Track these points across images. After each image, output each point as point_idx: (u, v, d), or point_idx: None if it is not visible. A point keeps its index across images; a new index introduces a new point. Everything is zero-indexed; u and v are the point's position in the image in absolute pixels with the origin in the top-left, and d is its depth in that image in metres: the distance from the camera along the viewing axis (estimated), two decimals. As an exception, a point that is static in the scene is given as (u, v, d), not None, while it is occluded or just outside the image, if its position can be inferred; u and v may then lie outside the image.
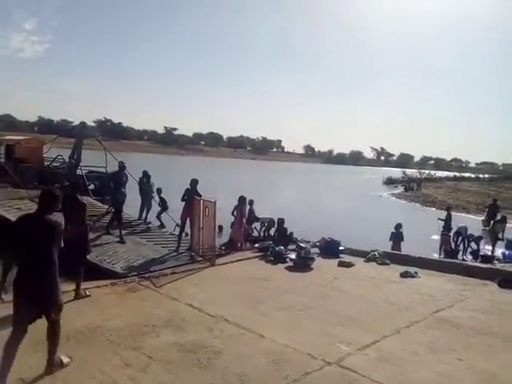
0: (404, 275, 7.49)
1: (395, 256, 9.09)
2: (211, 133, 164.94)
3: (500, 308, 5.83)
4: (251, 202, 10.49)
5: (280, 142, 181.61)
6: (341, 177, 63.01)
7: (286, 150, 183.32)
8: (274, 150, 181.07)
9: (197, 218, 8.45)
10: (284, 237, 9.86)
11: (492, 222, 14.28)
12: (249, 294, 6.13)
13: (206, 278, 6.96)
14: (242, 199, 9.76)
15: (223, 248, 9.20)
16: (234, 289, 6.38)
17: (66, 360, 3.60)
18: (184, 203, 8.88)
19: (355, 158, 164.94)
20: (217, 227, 8.96)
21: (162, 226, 11.23)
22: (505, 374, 3.86)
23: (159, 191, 11.65)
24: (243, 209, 9.75)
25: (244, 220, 9.82)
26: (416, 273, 7.59)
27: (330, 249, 9.13)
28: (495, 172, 65.73)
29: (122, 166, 9.62)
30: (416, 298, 6.29)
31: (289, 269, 7.85)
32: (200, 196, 8.69)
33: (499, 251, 11.66)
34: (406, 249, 10.30)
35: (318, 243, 9.56)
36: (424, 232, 14.66)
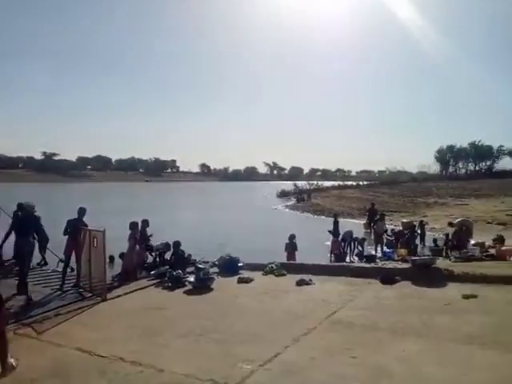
0: (300, 283, 7.80)
1: (291, 266, 9.46)
2: (99, 156, 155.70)
3: (383, 303, 6.38)
4: (145, 224, 10.00)
5: (174, 161, 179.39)
6: (236, 193, 64.38)
7: (181, 169, 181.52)
8: (169, 170, 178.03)
9: (84, 250, 7.77)
10: (181, 260, 9.59)
11: (372, 224, 15.81)
12: (146, 325, 5.77)
13: (98, 315, 6.39)
14: (133, 225, 9.30)
15: (116, 279, 8.59)
16: (130, 322, 5.95)
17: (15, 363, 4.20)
18: (67, 236, 8.09)
19: (250, 174, 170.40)
20: (107, 258, 8.36)
21: (43, 263, 10.09)
22: (392, 365, 4.18)
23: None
24: (136, 234, 9.29)
25: (137, 247, 9.34)
26: (311, 280, 7.97)
27: (229, 266, 9.13)
28: (372, 179, 73.38)
29: (23, 207, 8.31)
30: (312, 304, 6.57)
31: (188, 292, 7.62)
32: (86, 226, 8.01)
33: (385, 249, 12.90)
34: (303, 257, 10.82)
35: (216, 262, 9.50)
36: (317, 239, 15.62)
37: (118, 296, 7.44)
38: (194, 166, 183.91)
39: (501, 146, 54.38)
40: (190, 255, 10.13)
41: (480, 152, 55.88)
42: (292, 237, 11.44)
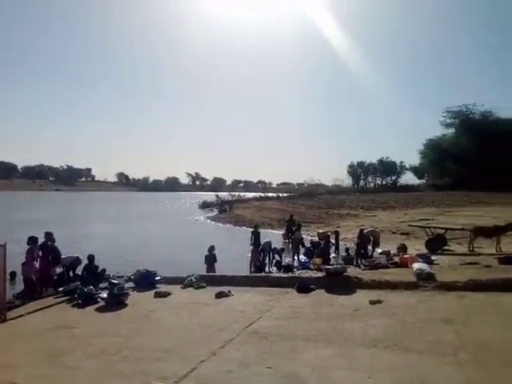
0: (219, 296, 7.77)
1: (211, 278, 9.39)
2: (1, 162, 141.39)
3: (298, 312, 6.61)
4: (48, 237, 9.26)
5: (89, 170, 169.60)
6: (157, 204, 62.57)
7: (96, 178, 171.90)
8: (83, 179, 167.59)
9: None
10: (94, 275, 9.03)
11: (290, 234, 16.36)
12: (52, 346, 5.32)
13: (-7, 339, 5.75)
14: (32, 240, 8.62)
15: (18, 297, 7.82)
16: (33, 344, 5.45)
17: None
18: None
19: (171, 184, 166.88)
20: (8, 274, 7.59)
21: None
22: (305, 372, 4.32)
23: None
24: (34, 249, 8.58)
25: (36, 263, 8.63)
26: (230, 292, 7.98)
27: (145, 281, 8.80)
28: (291, 191, 76.15)
29: None
30: (230, 316, 6.58)
31: (100, 309, 7.19)
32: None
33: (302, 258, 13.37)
34: (223, 269, 10.79)
35: (132, 276, 9.10)
36: (238, 250, 15.70)
37: (21, 316, 6.78)
38: (111, 176, 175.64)
39: (401, 162, 59.97)
40: (103, 270, 9.59)
41: (387, 167, 60.99)
42: (211, 248, 11.39)
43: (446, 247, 13.74)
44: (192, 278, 9.02)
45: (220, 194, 54.73)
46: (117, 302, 7.35)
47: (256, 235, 14.05)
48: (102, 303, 7.39)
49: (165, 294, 8.06)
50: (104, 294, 7.57)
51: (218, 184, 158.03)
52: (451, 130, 52.57)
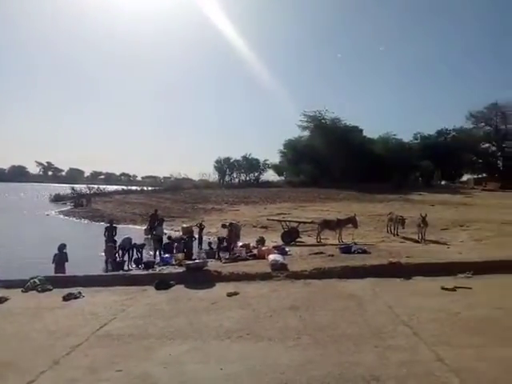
0: (67, 298, 7.09)
1: (59, 279, 8.53)
2: None
3: (155, 309, 6.44)
4: None
5: None
6: (-2, 196, 54.21)
7: None
8: None
9: None
10: None
11: (152, 229, 15.88)
12: None
13: None
14: None
15: None
16: None
17: None
18: None
19: (17, 174, 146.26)
20: None
21: None
22: (157, 371, 4.22)
23: None
24: None
25: None
26: (80, 293, 7.35)
27: (-26, 286, 7.51)
28: (157, 184, 74.16)
29: None
30: (79, 319, 6.05)
31: None
32: None
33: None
34: (76, 268, 9.89)
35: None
36: (95, 247, 14.58)
37: None
38: None
39: (265, 160, 63.75)
40: None
41: (251, 164, 64.00)
42: (62, 247, 10.35)
43: (298, 239, 15.08)
44: (36, 280, 8.03)
45: (76, 186, 50.13)
46: None
47: (111, 230, 13.27)
48: None
49: (1, 300, 7.00)
50: None
51: (74, 175, 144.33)
52: (307, 133, 57.96)
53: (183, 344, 4.94)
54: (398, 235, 15.54)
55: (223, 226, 14.99)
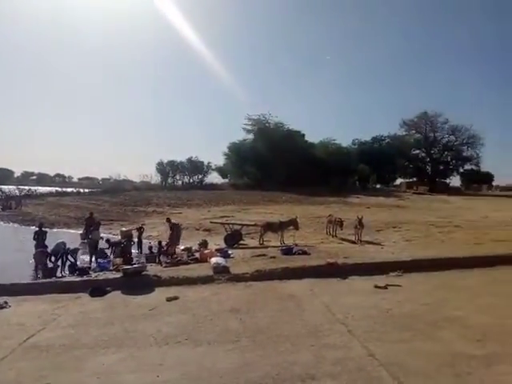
0: (-11, 309, 6.55)
1: (-19, 288, 7.83)
2: None
3: (89, 317, 6.13)
4: None
5: None
6: None
7: None
8: None
9: None
10: None
11: (88, 233, 15.15)
12: None
13: None
14: None
15: None
16: None
17: None
18: None
19: None
20: None
21: None
22: (90, 381, 4.02)
23: None
24: None
25: None
26: (6, 302, 6.84)
27: None
28: (95, 186, 70.93)
29: None
30: (4, 330, 5.64)
31: None
32: None
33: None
34: (2, 276, 9.13)
35: None
36: (24, 253, 13.59)
37: None
38: None
39: (209, 162, 63.41)
40: None
41: (195, 166, 63.33)
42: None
43: (241, 241, 15.13)
44: (-47, 290, 7.34)
45: (4, 187, 46.50)
46: None
47: (41, 235, 12.49)
48: None
49: None
50: None
51: (3, 176, 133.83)
52: (251, 136, 58.51)
53: (118, 353, 4.75)
54: (336, 236, 16.11)
55: (168, 220, 14.66)
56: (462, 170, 70.92)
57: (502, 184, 70.46)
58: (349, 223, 16.29)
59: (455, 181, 72.84)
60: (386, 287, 7.43)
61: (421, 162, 71.52)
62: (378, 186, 62.67)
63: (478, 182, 70.29)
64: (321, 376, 4.03)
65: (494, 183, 71.72)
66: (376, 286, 7.46)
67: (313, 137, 68.45)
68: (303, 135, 58.53)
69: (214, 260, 9.50)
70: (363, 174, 57.49)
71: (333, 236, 16.25)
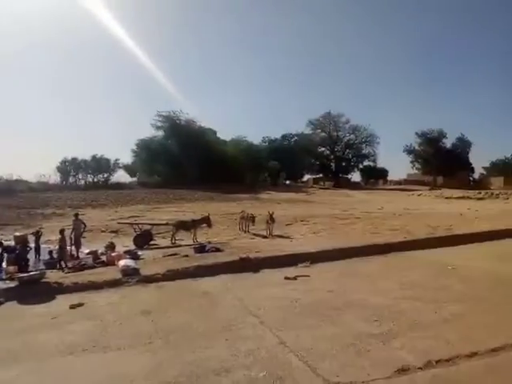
0: None
1: None
2: None
3: (-23, 333, 5.47)
4: None
5: None
6: None
7: None
8: None
9: None
10: None
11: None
12: None
13: None
14: None
15: None
16: None
17: None
18: None
19: None
20: None
21: None
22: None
23: None
24: None
25: None
26: None
27: None
28: (-18, 188, 63.01)
29: None
30: None
31: None
32: None
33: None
34: None
35: None
36: None
37: None
38: None
39: (116, 160, 60.07)
40: None
41: (100, 164, 59.56)
42: None
43: (152, 242, 14.66)
44: None
45: None
46: None
47: None
48: None
49: None
50: None
51: None
52: (161, 133, 56.81)
53: (13, 368, 4.31)
54: (249, 232, 16.44)
55: (76, 215, 13.65)
56: (361, 166, 77.10)
57: (394, 179, 77.88)
58: (260, 219, 16.73)
59: (356, 176, 78.99)
60: (295, 278, 7.79)
61: (326, 159, 76.19)
62: (288, 182, 65.31)
63: (375, 177, 76.91)
64: (235, 368, 4.10)
65: (388, 178, 79.00)
66: (286, 278, 7.78)
67: (225, 135, 69.04)
68: (215, 132, 58.66)
69: (122, 262, 9.07)
70: (274, 170, 59.45)
71: (245, 232, 16.55)
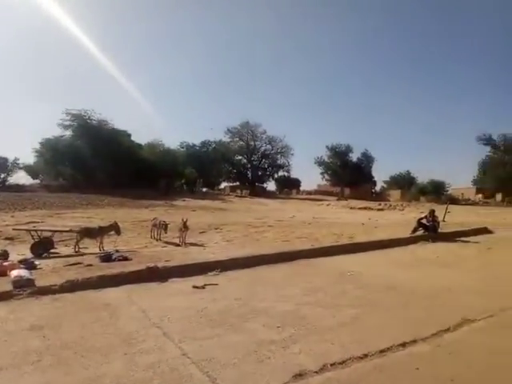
0: None
1: None
2: None
3: None
4: None
5: None
6: None
7: None
8: None
9: None
10: None
11: None
12: None
13: None
14: None
15: None
16: None
17: None
18: None
19: None
20: None
21: None
22: None
23: None
24: None
25: None
26: None
27: None
28: None
29: None
30: None
31: None
32: None
33: None
34: None
35: None
36: None
37: None
38: None
39: (16, 160, 54.57)
40: None
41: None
42: None
43: (53, 250, 13.54)
44: None
45: None
46: None
47: None
48: None
49: None
50: None
51: None
52: (69, 132, 52.93)
53: None
54: (161, 240, 16.02)
55: None
56: (276, 176, 79.88)
57: (307, 189, 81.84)
58: (174, 226, 16.42)
59: (271, 185, 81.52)
60: (203, 287, 7.74)
61: (243, 167, 77.62)
62: (205, 189, 65.09)
63: (289, 186, 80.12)
64: (131, 383, 3.93)
65: (301, 188, 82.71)
66: (194, 287, 7.70)
67: (140, 138, 66.38)
68: (129, 135, 56.36)
69: (15, 273, 8.22)
70: (190, 177, 58.81)
71: (157, 240, 16.11)
